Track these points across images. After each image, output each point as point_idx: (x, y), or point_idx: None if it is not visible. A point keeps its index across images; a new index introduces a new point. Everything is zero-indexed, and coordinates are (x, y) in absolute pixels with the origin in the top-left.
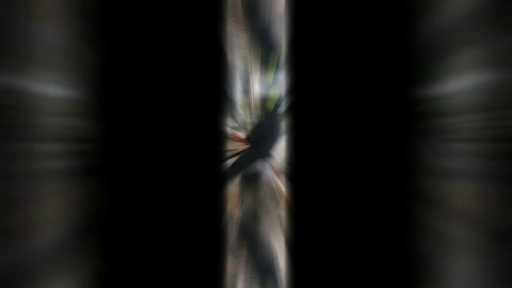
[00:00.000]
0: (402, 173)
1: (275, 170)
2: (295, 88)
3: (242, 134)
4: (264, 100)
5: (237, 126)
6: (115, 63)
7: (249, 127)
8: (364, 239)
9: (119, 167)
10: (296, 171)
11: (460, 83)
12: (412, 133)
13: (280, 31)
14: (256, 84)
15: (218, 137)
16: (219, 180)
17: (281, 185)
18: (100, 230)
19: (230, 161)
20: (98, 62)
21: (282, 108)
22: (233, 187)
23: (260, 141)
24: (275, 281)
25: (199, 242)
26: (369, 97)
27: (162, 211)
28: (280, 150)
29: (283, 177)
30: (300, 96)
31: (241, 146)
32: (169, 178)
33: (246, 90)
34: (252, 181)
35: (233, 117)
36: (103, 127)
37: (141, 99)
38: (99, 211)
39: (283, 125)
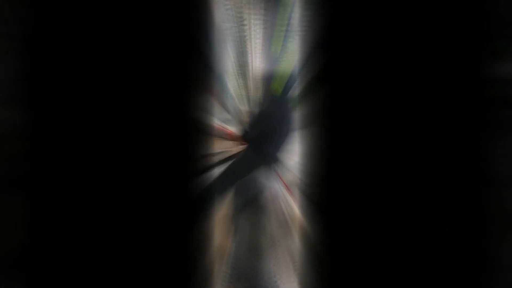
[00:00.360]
0: (470, 183)
1: (284, 183)
2: (320, 60)
3: (235, 130)
4: (268, 79)
5: (229, 117)
6: (51, 25)
7: (246, 118)
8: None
9: (54, 175)
10: (316, 184)
11: None
12: (485, 127)
13: None
14: (257, 56)
15: (197, 133)
16: (199, 199)
17: (293, 205)
18: (28, 267)
19: (217, 170)
20: (27, 24)
21: (295, 90)
22: (223, 209)
23: (262, 139)
24: None
25: None
26: (428, 75)
27: (113, 244)
28: (292, 153)
29: (296, 194)
30: (326, 72)
31: (235, 147)
32: (122, 194)
33: (242, 65)
34: (251, 199)
35: (222, 105)
36: (33, 119)
37: (84, 78)
38: (25, 239)
39: (297, 115)
